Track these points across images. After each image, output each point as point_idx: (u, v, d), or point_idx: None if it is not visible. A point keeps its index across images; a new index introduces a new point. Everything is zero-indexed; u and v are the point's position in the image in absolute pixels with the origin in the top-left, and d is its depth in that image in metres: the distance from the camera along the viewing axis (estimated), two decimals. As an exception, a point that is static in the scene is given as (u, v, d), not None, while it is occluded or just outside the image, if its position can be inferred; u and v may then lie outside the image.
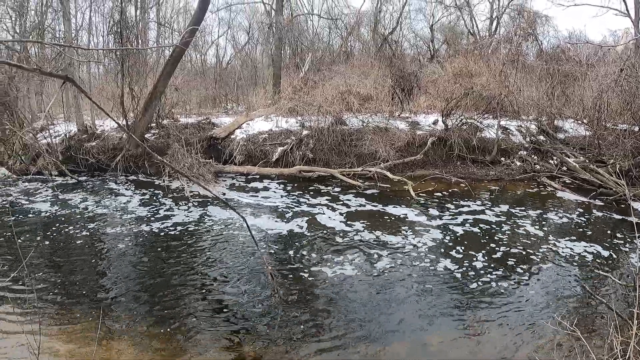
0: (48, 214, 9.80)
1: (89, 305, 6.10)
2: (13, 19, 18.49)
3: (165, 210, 10.04)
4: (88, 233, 8.77)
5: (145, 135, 14.02)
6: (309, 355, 5.16)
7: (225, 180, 12.44)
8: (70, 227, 9.04)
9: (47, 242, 8.31)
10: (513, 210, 10.04)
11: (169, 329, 5.58)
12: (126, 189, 11.85)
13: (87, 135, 14.77)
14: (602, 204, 10.50)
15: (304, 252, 7.84)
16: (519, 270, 7.14)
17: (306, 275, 7.05)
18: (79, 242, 8.35)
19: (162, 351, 5.23)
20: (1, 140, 13.45)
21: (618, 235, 8.58)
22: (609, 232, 8.75)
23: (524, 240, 8.29)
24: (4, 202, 10.73)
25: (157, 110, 13.93)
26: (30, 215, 9.70)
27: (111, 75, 15.49)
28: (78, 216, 9.64)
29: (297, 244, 8.20)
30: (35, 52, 18.04)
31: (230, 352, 5.22)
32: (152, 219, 9.52)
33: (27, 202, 10.61)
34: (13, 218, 9.46)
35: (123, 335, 5.47)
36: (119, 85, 13.94)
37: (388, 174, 11.83)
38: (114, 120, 4.70)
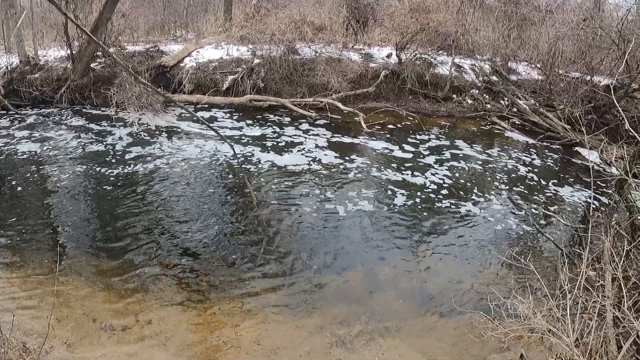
0: None
1: (41, 243, 5.96)
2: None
3: (115, 143, 9.71)
4: (35, 171, 8.39)
5: (92, 65, 13.42)
6: (260, 286, 5.23)
7: (174, 110, 12.14)
8: (16, 165, 8.62)
9: None
10: (463, 147, 10.24)
11: (127, 266, 5.54)
12: (73, 122, 11.39)
13: (30, 67, 14.01)
14: (549, 146, 10.81)
15: (251, 183, 7.74)
16: (468, 206, 7.35)
17: (254, 206, 6.96)
18: (27, 180, 8.00)
19: (108, 284, 5.21)
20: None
21: (564, 177, 8.92)
22: (556, 174, 9.10)
23: (473, 177, 8.52)
24: None
25: (103, 38, 13.27)
26: None
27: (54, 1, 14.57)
28: (23, 153, 9.18)
29: (242, 174, 8.05)
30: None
31: (181, 286, 5.22)
32: (103, 153, 9.21)
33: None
34: None
35: (80, 273, 5.40)
36: (62, 12, 13.14)
37: (340, 105, 11.79)
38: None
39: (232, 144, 6.18)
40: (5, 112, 12.28)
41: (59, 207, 7.08)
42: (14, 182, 7.91)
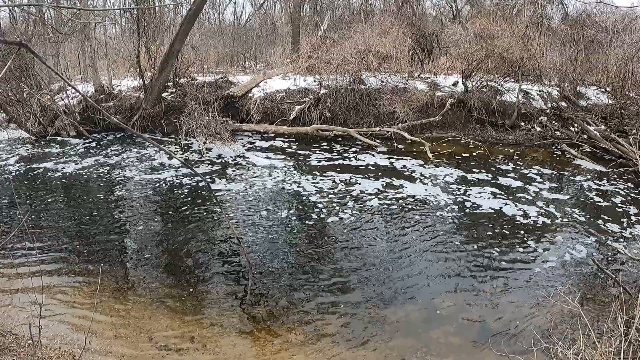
0: (63, 174, 9.93)
1: (94, 260, 6.26)
2: (28, -21, 18.35)
3: (180, 170, 10.09)
4: (96, 192, 8.94)
5: (163, 95, 14.00)
6: (318, 316, 5.22)
7: (242, 139, 12.44)
8: (80, 187, 9.21)
9: (55, 202, 8.45)
10: (530, 177, 9.90)
11: (173, 285, 5.71)
12: (142, 149, 11.91)
13: (104, 96, 14.78)
14: (621, 174, 10.27)
15: (317, 212, 7.88)
16: (531, 238, 7.09)
17: (320, 235, 7.11)
18: (90, 200, 8.50)
19: (166, 304, 5.36)
20: (19, 102, 13.51)
21: (634, 208, 8.40)
22: (626, 204, 8.58)
23: (538, 208, 8.19)
24: (17, 164, 10.84)
25: (173, 69, 13.85)
26: (42, 176, 9.81)
27: (127, 35, 15.39)
28: (92, 177, 9.77)
29: (310, 203, 8.24)
30: (51, 14, 17.96)
31: (239, 310, 5.29)
32: (167, 178, 9.60)
33: (44, 163, 10.72)
34: (12, 179, 9.55)
35: (126, 288, 5.66)
36: (135, 45, 13.87)
37: (406, 134, 11.71)
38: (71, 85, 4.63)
39: (209, 181, 6.23)
40: (80, 137, 13.01)
41: (120, 225, 7.43)
42: (80, 201, 8.39)
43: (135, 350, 4.59)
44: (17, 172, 10.13)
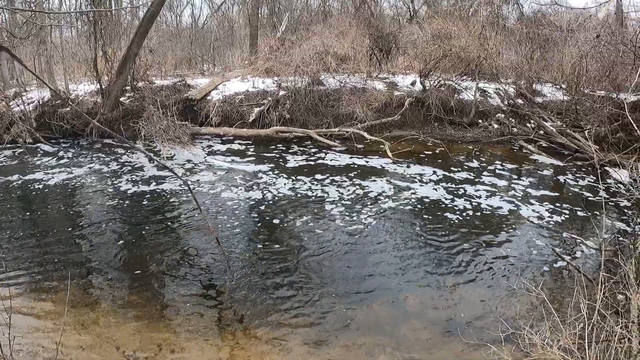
0: (20, 182, 9.61)
1: (59, 269, 6.10)
2: (-20, -19, 17.72)
3: (141, 175, 9.92)
4: (57, 200, 8.68)
5: (120, 99, 13.75)
6: (285, 315, 5.21)
7: (201, 142, 12.32)
8: (38, 195, 8.93)
9: (14, 212, 8.18)
10: (489, 173, 10.12)
11: (138, 292, 5.62)
12: (100, 154, 11.66)
13: (61, 101, 14.42)
14: (577, 168, 10.59)
15: (281, 213, 7.86)
16: (493, 232, 7.26)
17: (283, 235, 7.12)
18: (51, 210, 8.25)
19: (132, 311, 5.30)
20: (-27, 109, 13.05)
21: (590, 199, 8.69)
22: (582, 196, 8.87)
23: (498, 202, 8.39)
24: None
25: (131, 73, 13.62)
26: (1, 184, 9.48)
27: (84, 39, 15.04)
28: (47, 183, 9.50)
29: (274, 205, 8.22)
30: (5, 18, 17.41)
31: (208, 315, 5.24)
32: (124, 182, 9.43)
33: (-1, 171, 10.39)
34: None
35: (93, 297, 5.54)
36: (92, 48, 13.57)
37: (365, 134, 11.82)
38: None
39: (189, 183, 6.21)
40: (37, 144, 12.65)
41: (85, 235, 7.23)
42: (42, 210, 8.14)
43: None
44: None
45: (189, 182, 8.48)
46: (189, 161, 10.84)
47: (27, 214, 8.09)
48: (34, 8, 14.89)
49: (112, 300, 5.50)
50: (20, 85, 15.26)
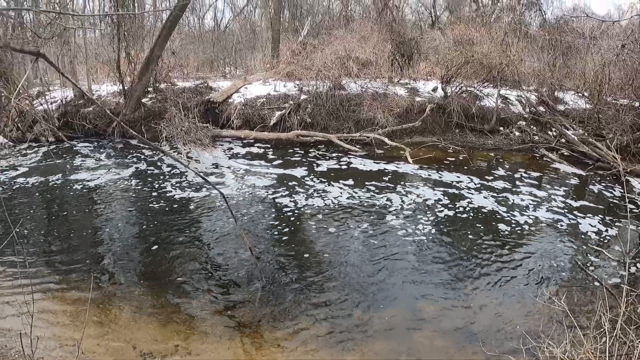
0: (41, 180, 9.76)
1: (81, 270, 6.17)
2: (6, -17, 18.05)
3: (162, 176, 10.02)
4: (82, 199, 8.82)
5: (142, 100, 13.90)
6: (302, 320, 5.22)
7: (222, 145, 12.40)
8: (62, 194, 9.07)
9: (39, 210, 8.34)
10: (510, 181, 10.01)
11: (158, 294, 5.64)
12: (121, 154, 11.80)
13: (84, 101, 14.61)
14: (599, 177, 10.45)
15: (299, 219, 7.87)
16: (512, 241, 7.17)
17: (299, 240, 7.11)
18: (73, 208, 8.39)
19: (151, 312, 5.32)
20: (-3, 107, 13.29)
21: (613, 210, 8.55)
22: (603, 206, 8.75)
23: (519, 212, 8.29)
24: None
25: (154, 75, 13.77)
26: (23, 183, 9.63)
27: (107, 40, 15.24)
28: (71, 182, 9.64)
29: (293, 210, 8.22)
30: (30, 18, 17.71)
31: (224, 316, 5.27)
32: (146, 184, 9.52)
33: (21, 170, 10.53)
34: (1, 189, 9.38)
35: (113, 298, 5.58)
36: (115, 50, 13.75)
37: (386, 140, 11.78)
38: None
39: (223, 192, 6.22)
40: (59, 143, 12.84)
41: (105, 233, 7.32)
42: (68, 210, 8.26)
43: (119, 358, 4.56)
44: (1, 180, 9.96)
45: (219, 187, 8.55)
46: (214, 165, 10.91)
47: (53, 213, 8.21)
48: (58, 10, 15.19)
49: (132, 301, 5.53)
50: (44, 84, 15.51)
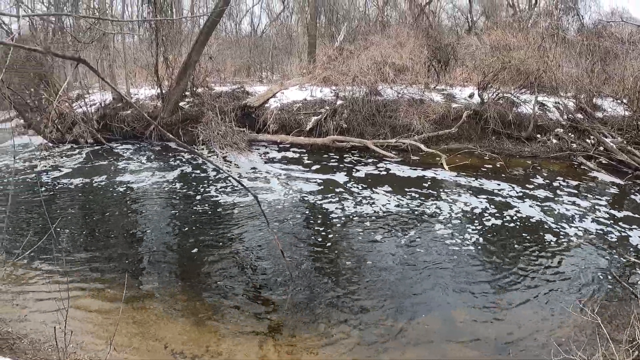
0: (81, 181, 10.06)
1: (118, 269, 6.33)
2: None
3: (203, 179, 10.20)
4: (119, 200, 9.04)
5: (180, 104, 14.18)
6: (335, 325, 5.23)
7: (258, 149, 12.55)
8: (102, 194, 9.31)
9: (79, 210, 8.58)
10: (547, 189, 9.86)
11: (191, 296, 5.74)
12: (161, 157, 12.05)
13: (122, 104, 14.99)
14: (639, 186, 10.17)
15: (341, 224, 7.90)
16: (548, 250, 7.07)
17: (336, 246, 7.13)
18: (115, 209, 8.59)
19: (184, 313, 5.42)
20: (37, 109, 13.73)
21: None
22: None
23: (555, 220, 8.16)
24: (35, 172, 10.94)
25: (191, 79, 14.04)
26: (65, 183, 9.94)
27: (145, 45, 15.61)
28: (110, 183, 9.91)
29: (334, 215, 8.25)
30: (70, 23, 18.25)
31: (256, 320, 5.32)
32: (190, 187, 9.70)
33: (62, 170, 10.87)
34: (43, 188, 9.67)
35: (147, 297, 5.69)
36: (153, 55, 14.08)
37: (422, 146, 11.74)
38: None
39: (257, 195, 6.26)
40: (97, 145, 13.19)
41: (144, 235, 7.49)
42: (106, 210, 8.47)
43: (150, 357, 4.65)
44: (41, 179, 10.27)
45: (255, 192, 8.66)
46: (252, 169, 11.04)
47: (94, 213, 8.42)
48: (98, 15, 15.63)
49: (165, 302, 5.63)
50: (83, 87, 15.96)
